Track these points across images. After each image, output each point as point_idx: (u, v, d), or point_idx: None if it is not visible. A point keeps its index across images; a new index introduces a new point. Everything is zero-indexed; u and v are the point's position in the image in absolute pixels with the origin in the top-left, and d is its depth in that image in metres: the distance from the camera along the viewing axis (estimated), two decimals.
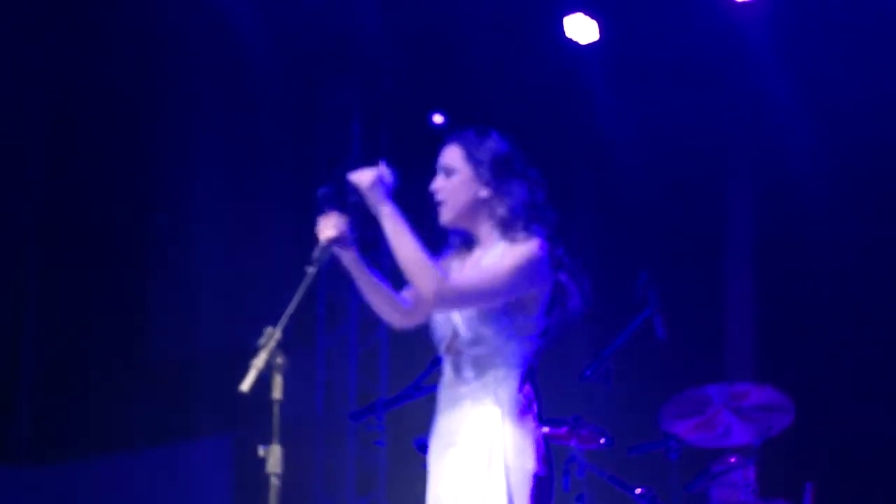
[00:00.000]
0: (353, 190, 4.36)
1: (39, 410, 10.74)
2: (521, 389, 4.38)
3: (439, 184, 4.52)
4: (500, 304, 4.36)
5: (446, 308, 4.39)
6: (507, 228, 4.45)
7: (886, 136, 8.54)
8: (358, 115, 10.02)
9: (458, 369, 4.42)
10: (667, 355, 7.22)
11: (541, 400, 4.46)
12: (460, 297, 4.33)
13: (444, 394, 4.46)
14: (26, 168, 10.80)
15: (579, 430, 6.82)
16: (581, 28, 9.12)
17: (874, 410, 8.28)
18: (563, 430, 6.84)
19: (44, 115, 10.76)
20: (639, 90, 9.08)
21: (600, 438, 6.88)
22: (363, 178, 4.35)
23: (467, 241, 4.57)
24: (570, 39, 9.16)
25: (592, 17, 9.11)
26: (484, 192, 4.47)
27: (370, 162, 4.45)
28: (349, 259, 4.41)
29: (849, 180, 8.66)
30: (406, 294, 4.49)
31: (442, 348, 4.48)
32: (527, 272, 4.35)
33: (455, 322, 4.41)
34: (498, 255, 4.41)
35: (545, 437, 4.45)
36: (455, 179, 4.49)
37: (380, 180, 4.36)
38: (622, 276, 6.87)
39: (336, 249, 4.37)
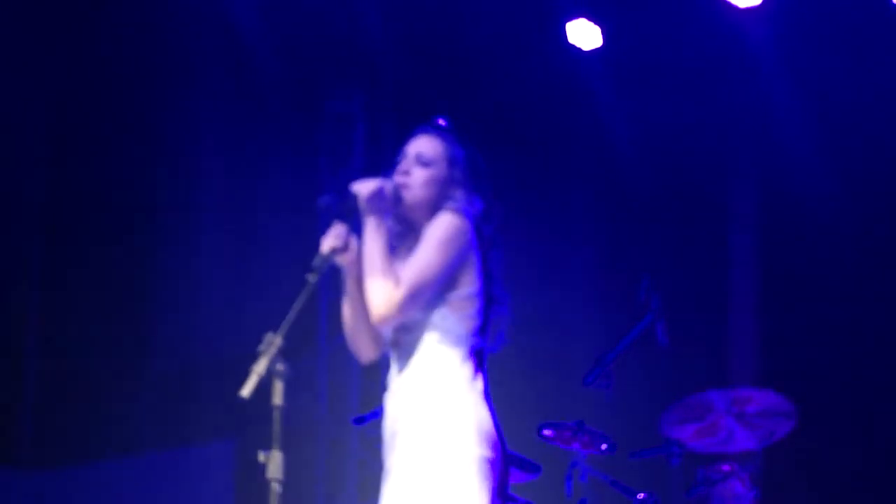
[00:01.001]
0: (355, 199, 4.34)
1: (42, 413, 10.73)
2: (461, 370, 4.30)
3: (412, 169, 4.44)
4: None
5: (392, 322, 4.34)
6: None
7: (891, 140, 8.54)
8: (361, 121, 10.01)
9: (400, 359, 4.40)
10: (669, 360, 7.23)
11: (487, 378, 4.36)
12: (403, 310, 4.28)
13: (390, 386, 4.45)
14: (28, 171, 10.80)
15: (582, 435, 6.84)
16: (584, 34, 9.11)
17: (877, 416, 8.28)
18: (566, 434, 6.87)
19: (46, 120, 10.76)
20: (642, 96, 9.08)
21: (602, 443, 6.90)
22: (364, 187, 4.34)
23: (405, 232, 4.48)
24: (574, 45, 9.16)
25: (595, 23, 9.10)
26: (450, 196, 4.41)
27: (373, 167, 4.43)
28: (348, 271, 4.41)
29: (853, 185, 8.65)
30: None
31: (388, 344, 4.45)
32: (449, 244, 4.28)
33: None
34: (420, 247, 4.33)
35: (496, 419, 4.33)
36: (428, 172, 4.44)
37: (380, 192, 4.34)
38: (625, 281, 6.88)
39: (337, 259, 4.36)
